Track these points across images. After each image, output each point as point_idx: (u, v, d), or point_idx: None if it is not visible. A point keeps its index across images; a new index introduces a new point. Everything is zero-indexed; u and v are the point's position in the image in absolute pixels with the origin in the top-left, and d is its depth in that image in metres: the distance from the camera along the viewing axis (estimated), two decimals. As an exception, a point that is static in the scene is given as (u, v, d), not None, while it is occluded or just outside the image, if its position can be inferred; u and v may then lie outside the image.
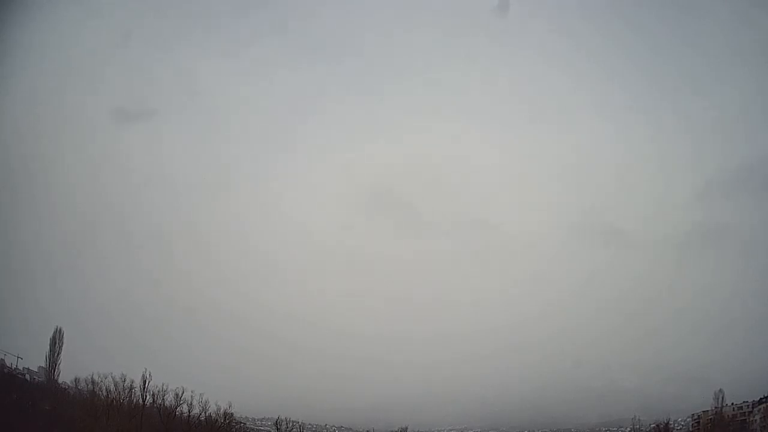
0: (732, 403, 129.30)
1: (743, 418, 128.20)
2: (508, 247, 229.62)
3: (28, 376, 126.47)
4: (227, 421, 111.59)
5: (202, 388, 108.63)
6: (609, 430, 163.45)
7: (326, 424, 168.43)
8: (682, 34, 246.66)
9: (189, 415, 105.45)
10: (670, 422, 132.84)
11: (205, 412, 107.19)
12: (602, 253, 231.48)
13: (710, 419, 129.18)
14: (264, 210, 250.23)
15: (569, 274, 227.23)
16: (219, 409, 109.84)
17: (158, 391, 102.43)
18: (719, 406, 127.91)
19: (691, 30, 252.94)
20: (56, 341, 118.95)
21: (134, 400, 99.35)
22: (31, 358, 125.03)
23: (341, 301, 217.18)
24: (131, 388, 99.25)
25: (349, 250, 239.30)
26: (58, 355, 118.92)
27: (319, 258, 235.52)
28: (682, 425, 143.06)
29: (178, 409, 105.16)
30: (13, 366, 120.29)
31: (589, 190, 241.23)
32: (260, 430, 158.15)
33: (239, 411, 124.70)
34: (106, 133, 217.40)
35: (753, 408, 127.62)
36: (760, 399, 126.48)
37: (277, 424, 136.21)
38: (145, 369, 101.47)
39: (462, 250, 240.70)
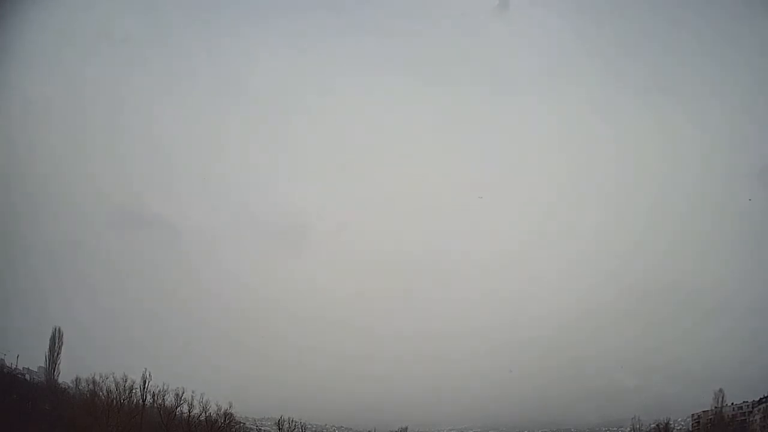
0: (732, 403, 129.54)
1: (743, 418, 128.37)
2: (508, 246, 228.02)
3: (28, 376, 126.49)
4: (227, 421, 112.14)
5: (202, 388, 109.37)
6: (609, 430, 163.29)
7: (326, 424, 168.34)
8: (689, 32, 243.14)
9: (189, 415, 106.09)
10: (670, 422, 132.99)
11: (205, 412, 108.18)
12: (603, 252, 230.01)
13: (710, 419, 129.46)
14: (262, 207, 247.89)
15: (569, 273, 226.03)
16: (219, 409, 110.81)
17: (158, 391, 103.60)
18: (719, 406, 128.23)
19: (697, 28, 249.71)
20: (56, 341, 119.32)
21: (134, 400, 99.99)
22: (31, 358, 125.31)
23: (342, 301, 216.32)
24: (131, 388, 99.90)
25: (350, 249, 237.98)
26: (58, 355, 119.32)
27: (319, 256, 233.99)
28: (682, 425, 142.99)
29: (178, 409, 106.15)
30: (13, 366, 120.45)
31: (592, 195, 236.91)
32: (261, 430, 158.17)
33: (239, 411, 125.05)
34: (106, 126, 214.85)
35: (753, 408, 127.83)
36: (760, 399, 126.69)
37: (279, 423, 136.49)
38: (145, 369, 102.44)
39: (461, 249, 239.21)
